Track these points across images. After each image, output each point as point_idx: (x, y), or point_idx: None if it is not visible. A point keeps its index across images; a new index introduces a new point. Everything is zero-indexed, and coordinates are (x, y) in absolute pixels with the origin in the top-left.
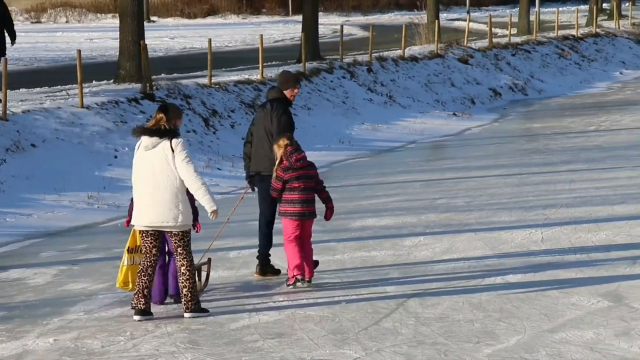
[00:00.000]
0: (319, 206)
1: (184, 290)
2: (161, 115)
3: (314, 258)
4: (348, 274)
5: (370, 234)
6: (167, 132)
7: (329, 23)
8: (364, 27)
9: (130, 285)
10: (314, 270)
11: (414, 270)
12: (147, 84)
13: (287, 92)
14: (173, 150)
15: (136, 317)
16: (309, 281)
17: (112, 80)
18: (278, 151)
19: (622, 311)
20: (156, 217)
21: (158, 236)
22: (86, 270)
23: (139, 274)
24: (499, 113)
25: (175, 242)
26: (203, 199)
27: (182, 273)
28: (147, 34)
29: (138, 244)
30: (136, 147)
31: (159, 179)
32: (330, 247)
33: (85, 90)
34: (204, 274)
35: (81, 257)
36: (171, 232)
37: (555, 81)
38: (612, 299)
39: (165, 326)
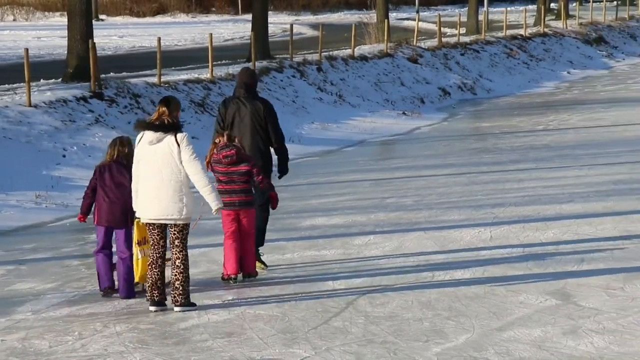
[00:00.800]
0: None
1: (177, 283)
2: (164, 109)
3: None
4: (297, 273)
5: (320, 233)
6: (171, 127)
7: (278, 22)
8: (314, 26)
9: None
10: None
11: (363, 269)
12: (96, 83)
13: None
14: (178, 145)
15: (152, 308)
16: (254, 275)
17: (60, 79)
18: (212, 145)
19: (569, 309)
20: (162, 210)
21: (164, 228)
22: (34, 270)
23: (149, 267)
24: (448, 112)
25: (174, 234)
26: (209, 196)
27: (177, 266)
28: (95, 32)
29: (145, 235)
30: (137, 141)
31: (163, 172)
32: (280, 246)
33: (33, 88)
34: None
35: (29, 256)
36: (173, 224)
37: (503, 80)
38: (560, 297)
39: (114, 326)
